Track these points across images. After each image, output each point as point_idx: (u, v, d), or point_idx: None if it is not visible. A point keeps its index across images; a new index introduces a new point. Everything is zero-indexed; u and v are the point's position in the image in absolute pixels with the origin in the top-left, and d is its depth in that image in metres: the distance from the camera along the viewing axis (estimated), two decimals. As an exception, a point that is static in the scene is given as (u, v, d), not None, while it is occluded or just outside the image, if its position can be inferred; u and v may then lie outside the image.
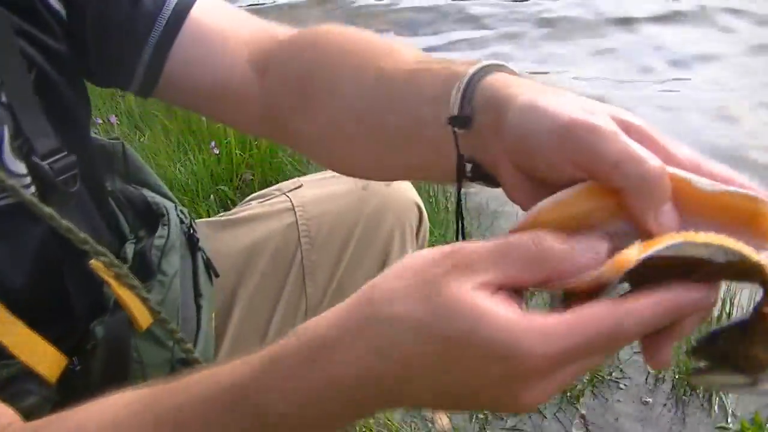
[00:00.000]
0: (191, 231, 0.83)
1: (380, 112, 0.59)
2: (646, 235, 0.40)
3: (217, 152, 2.32)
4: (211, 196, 2.25)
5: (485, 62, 0.52)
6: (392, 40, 0.65)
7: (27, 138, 0.60)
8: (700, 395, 1.55)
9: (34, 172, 0.61)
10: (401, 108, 0.57)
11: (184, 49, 0.69)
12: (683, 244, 0.38)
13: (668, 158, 0.41)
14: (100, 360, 0.66)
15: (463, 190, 0.54)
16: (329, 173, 1.04)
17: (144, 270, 0.72)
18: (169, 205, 0.82)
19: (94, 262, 0.62)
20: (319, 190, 0.98)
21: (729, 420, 1.51)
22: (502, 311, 0.36)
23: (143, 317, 0.67)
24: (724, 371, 0.42)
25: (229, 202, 2.25)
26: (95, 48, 0.68)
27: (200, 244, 0.83)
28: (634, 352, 1.68)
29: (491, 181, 0.52)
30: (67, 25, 0.65)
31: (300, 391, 0.40)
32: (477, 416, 1.52)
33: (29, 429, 0.49)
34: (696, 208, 0.41)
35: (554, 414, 1.55)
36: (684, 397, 1.55)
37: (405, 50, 0.62)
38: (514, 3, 4.00)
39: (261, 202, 1.00)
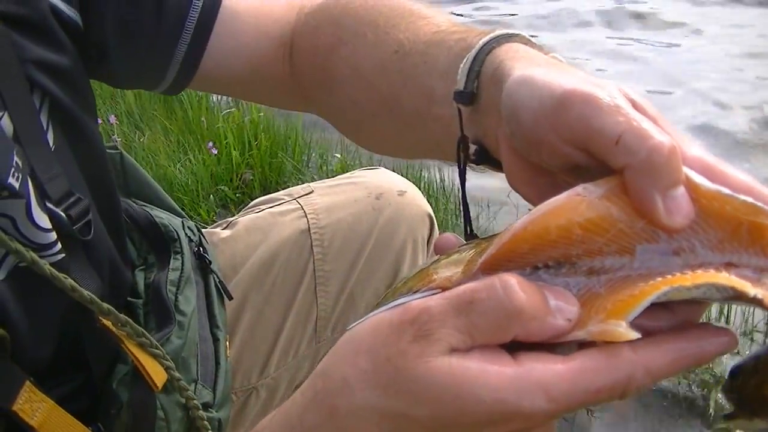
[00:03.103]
0: (201, 250, 0.80)
1: (397, 89, 0.57)
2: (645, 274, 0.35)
3: (216, 152, 2.32)
4: (211, 196, 2.24)
5: (499, 32, 0.48)
6: (417, 6, 0.61)
7: (41, 183, 0.55)
8: (699, 395, 1.56)
9: (54, 224, 0.57)
10: (414, 84, 0.55)
11: (220, 43, 0.67)
12: (669, 291, 0.33)
13: None
14: (125, 423, 0.63)
15: (474, 174, 0.50)
16: (339, 179, 1.04)
17: (161, 311, 0.70)
18: (176, 222, 0.80)
19: (107, 322, 0.59)
20: (331, 197, 0.97)
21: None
22: (488, 370, 0.32)
23: (157, 374, 0.63)
24: (743, 415, 0.36)
25: (228, 201, 2.25)
26: (119, 52, 0.64)
27: (212, 265, 0.81)
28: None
29: (498, 165, 0.46)
30: (84, 32, 0.62)
31: None
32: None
33: None
34: (697, 214, 0.35)
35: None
36: (683, 396, 1.56)
37: (428, 18, 0.58)
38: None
39: (270, 207, 0.99)
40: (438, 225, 1.00)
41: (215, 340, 0.77)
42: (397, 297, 0.39)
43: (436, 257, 0.43)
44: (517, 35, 0.48)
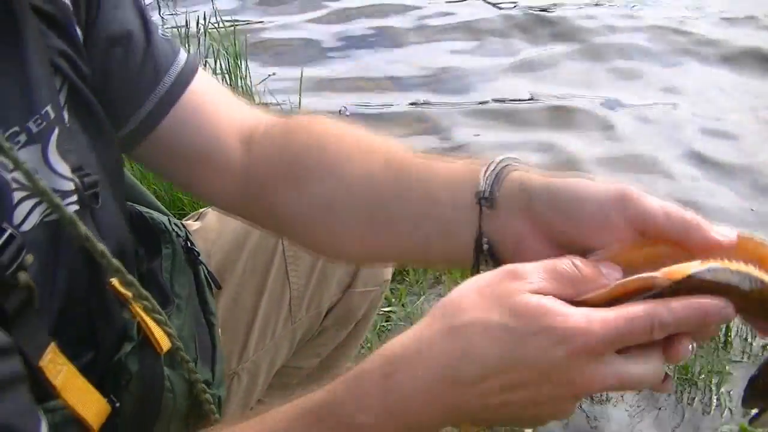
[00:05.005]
0: (189, 244, 0.83)
1: (389, 197, 0.64)
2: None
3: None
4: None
5: (505, 156, 0.61)
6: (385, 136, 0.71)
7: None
8: (701, 396, 1.54)
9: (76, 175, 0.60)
10: (416, 193, 0.62)
11: (183, 112, 0.71)
12: (721, 269, 0.46)
13: None
14: (134, 394, 0.65)
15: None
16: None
17: (160, 294, 0.72)
18: (164, 218, 0.82)
19: (114, 282, 0.62)
20: None
21: (729, 420, 1.49)
22: (560, 306, 0.46)
23: (162, 339, 0.66)
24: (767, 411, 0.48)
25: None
26: (96, 86, 0.66)
27: (200, 257, 0.84)
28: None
29: (495, 260, 0.59)
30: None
31: (374, 407, 0.48)
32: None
33: None
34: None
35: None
36: (684, 397, 1.54)
37: (400, 145, 0.68)
38: None
39: None
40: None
41: (210, 325, 0.81)
42: None
43: None
44: (518, 159, 0.60)
